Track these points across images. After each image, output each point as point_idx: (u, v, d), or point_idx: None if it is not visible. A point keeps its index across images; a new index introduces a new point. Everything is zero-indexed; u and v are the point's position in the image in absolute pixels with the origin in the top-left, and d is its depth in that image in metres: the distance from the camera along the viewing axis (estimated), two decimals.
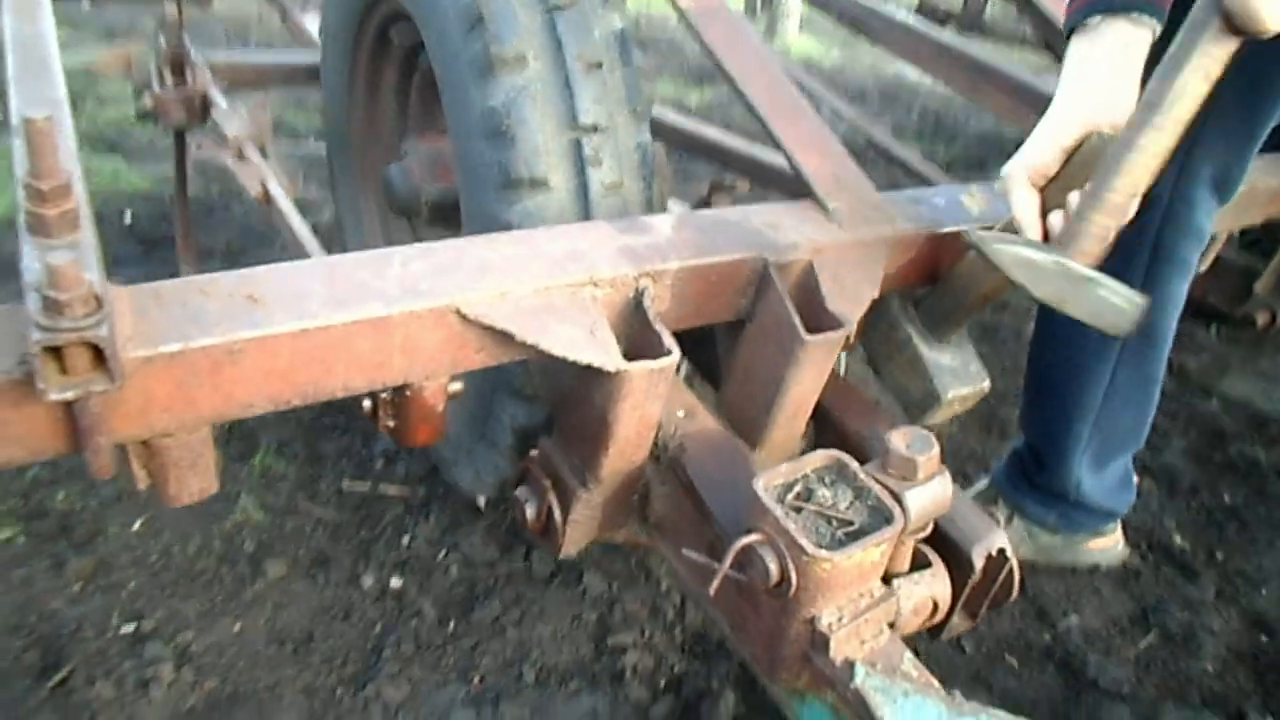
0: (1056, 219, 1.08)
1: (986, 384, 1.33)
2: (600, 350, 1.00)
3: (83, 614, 1.42)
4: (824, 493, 0.99)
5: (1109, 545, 1.64)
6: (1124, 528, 1.66)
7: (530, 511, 1.16)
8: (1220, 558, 1.73)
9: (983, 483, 1.71)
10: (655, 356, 1.03)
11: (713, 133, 2.24)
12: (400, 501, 1.73)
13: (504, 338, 0.98)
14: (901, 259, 1.28)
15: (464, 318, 0.96)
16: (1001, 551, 1.11)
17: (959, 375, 1.31)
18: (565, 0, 1.24)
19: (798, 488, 0.98)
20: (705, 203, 2.35)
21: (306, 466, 1.81)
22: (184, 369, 0.85)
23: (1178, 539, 1.77)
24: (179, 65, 1.87)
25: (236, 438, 1.85)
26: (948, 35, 2.00)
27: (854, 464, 1.00)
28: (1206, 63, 0.96)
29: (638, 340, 1.06)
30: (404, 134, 1.91)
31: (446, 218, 1.73)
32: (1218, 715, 1.40)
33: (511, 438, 1.39)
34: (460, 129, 1.31)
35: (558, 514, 1.14)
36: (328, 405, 1.99)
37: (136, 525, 1.61)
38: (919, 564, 1.10)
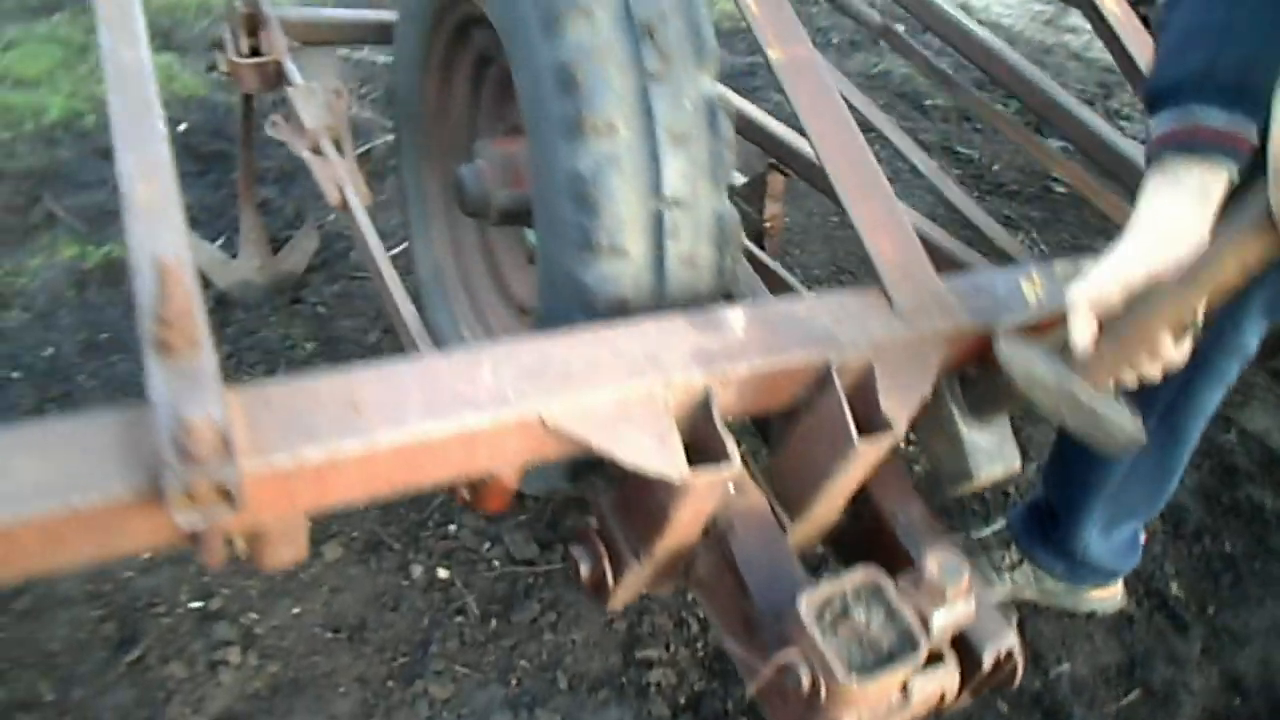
0: None
1: (1018, 464, 1.40)
2: (669, 459, 1.07)
3: (154, 586, 1.54)
4: (859, 612, 1.07)
5: (1109, 596, 1.74)
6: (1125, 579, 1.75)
7: (584, 570, 1.25)
8: (1211, 611, 1.83)
9: (999, 524, 1.79)
10: (717, 459, 1.10)
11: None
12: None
13: (581, 442, 1.05)
14: (957, 350, 1.32)
15: (546, 425, 1.03)
16: (1010, 652, 1.21)
17: (993, 456, 1.38)
18: (659, 68, 1.25)
19: (836, 604, 1.07)
20: (761, 181, 2.37)
21: None
22: (293, 477, 0.92)
23: (1174, 587, 1.87)
24: (253, 26, 1.87)
25: None
26: None
27: (889, 586, 1.09)
28: (1244, 254, 0.98)
29: (700, 439, 1.13)
30: (476, 126, 1.92)
31: (516, 219, 1.76)
32: None
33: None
34: (544, 180, 1.34)
35: (610, 578, 1.24)
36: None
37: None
38: (933, 656, 1.20)
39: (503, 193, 1.67)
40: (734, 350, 1.15)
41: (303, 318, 2.20)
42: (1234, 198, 1.06)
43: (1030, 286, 1.44)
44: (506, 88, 1.90)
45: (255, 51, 1.87)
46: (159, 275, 0.83)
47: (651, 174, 1.26)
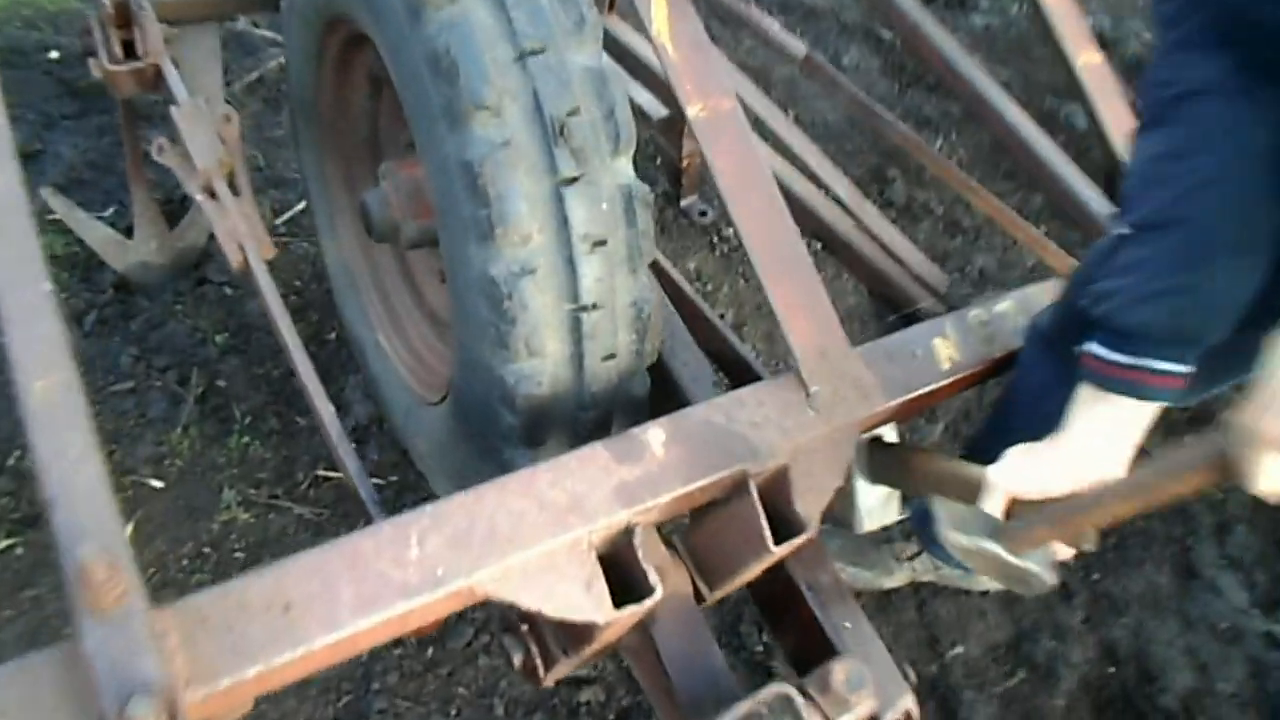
0: None
1: (897, 517, 1.50)
2: (595, 605, 1.12)
3: None
4: None
5: None
6: None
7: (517, 659, 1.32)
8: (1096, 577, 2.01)
9: (905, 514, 1.91)
10: (639, 589, 1.15)
11: None
12: (376, 491, 1.85)
13: (509, 603, 1.08)
14: (870, 425, 1.38)
15: (475, 593, 1.06)
16: (908, 713, 1.34)
17: (875, 514, 1.49)
18: (573, 171, 1.20)
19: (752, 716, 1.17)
20: (679, 119, 2.29)
21: (282, 447, 1.89)
22: (233, 691, 0.95)
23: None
24: (125, 18, 1.70)
25: (209, 414, 1.91)
26: None
27: (800, 702, 1.18)
28: (1186, 486, 0.98)
29: (623, 569, 1.17)
30: (377, 126, 1.81)
31: (426, 245, 1.71)
32: None
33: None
34: (456, 272, 1.30)
35: (541, 668, 1.31)
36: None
37: (127, 531, 1.71)
38: None
39: (411, 224, 1.61)
40: (655, 479, 1.18)
41: (210, 303, 2.13)
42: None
43: (944, 345, 1.47)
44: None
45: (129, 48, 1.70)
46: (83, 576, 0.81)
47: (568, 280, 1.24)
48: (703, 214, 2.67)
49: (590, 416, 1.35)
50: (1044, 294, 1.56)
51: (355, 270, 1.94)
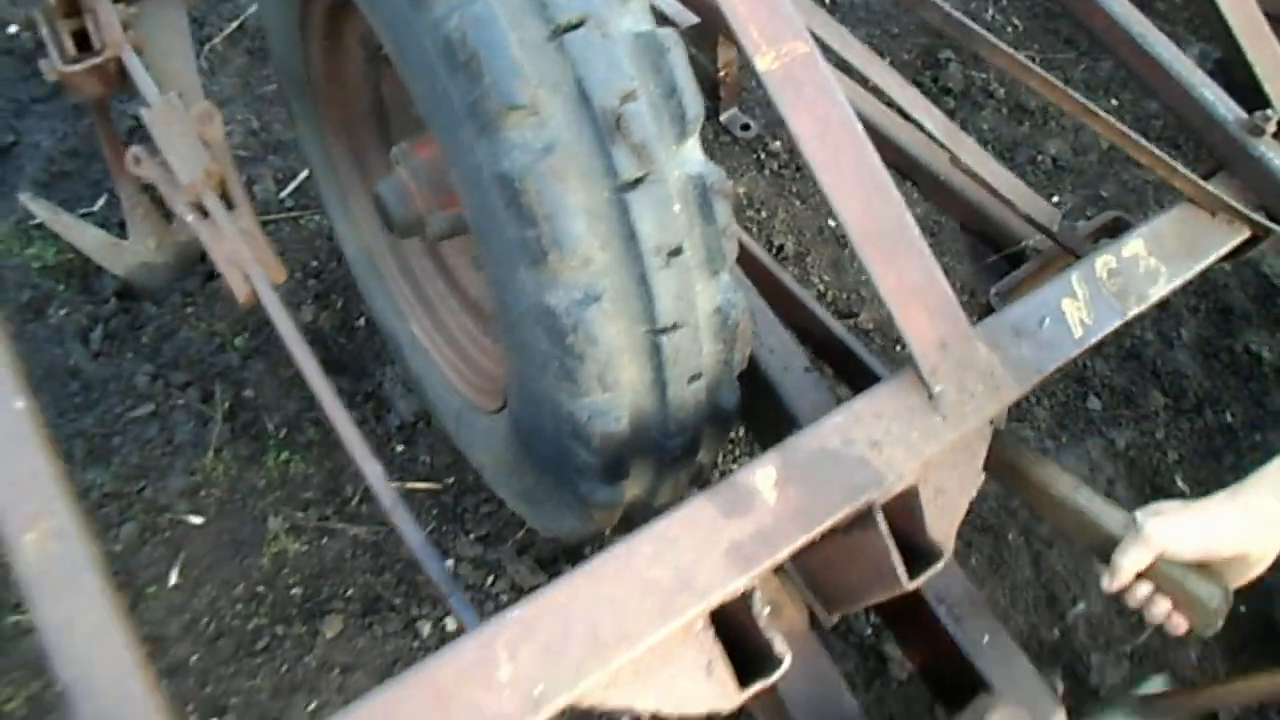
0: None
1: None
2: (719, 691, 0.96)
3: None
4: None
5: None
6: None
7: None
8: None
9: None
10: (765, 664, 0.99)
11: None
12: (432, 498, 1.70)
13: (622, 711, 0.93)
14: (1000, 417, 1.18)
15: (581, 705, 0.90)
16: None
17: None
18: (635, 170, 0.98)
19: None
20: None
21: (324, 459, 1.74)
22: None
23: (1179, 480, 1.86)
24: (73, 5, 1.45)
25: (240, 431, 1.75)
26: None
27: None
28: None
29: (743, 640, 1.01)
30: (379, 92, 1.57)
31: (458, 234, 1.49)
32: None
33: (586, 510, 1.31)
34: (506, 301, 1.10)
35: None
36: (329, 364, 1.86)
37: (173, 578, 1.57)
38: None
39: (439, 217, 1.39)
40: (770, 532, 1.00)
41: (223, 301, 1.93)
42: None
43: (1074, 307, 1.26)
44: None
45: (83, 42, 1.46)
46: None
47: (642, 301, 1.03)
48: (745, 128, 2.40)
49: (677, 443, 1.17)
50: (1174, 225, 1.34)
51: (377, 255, 1.73)
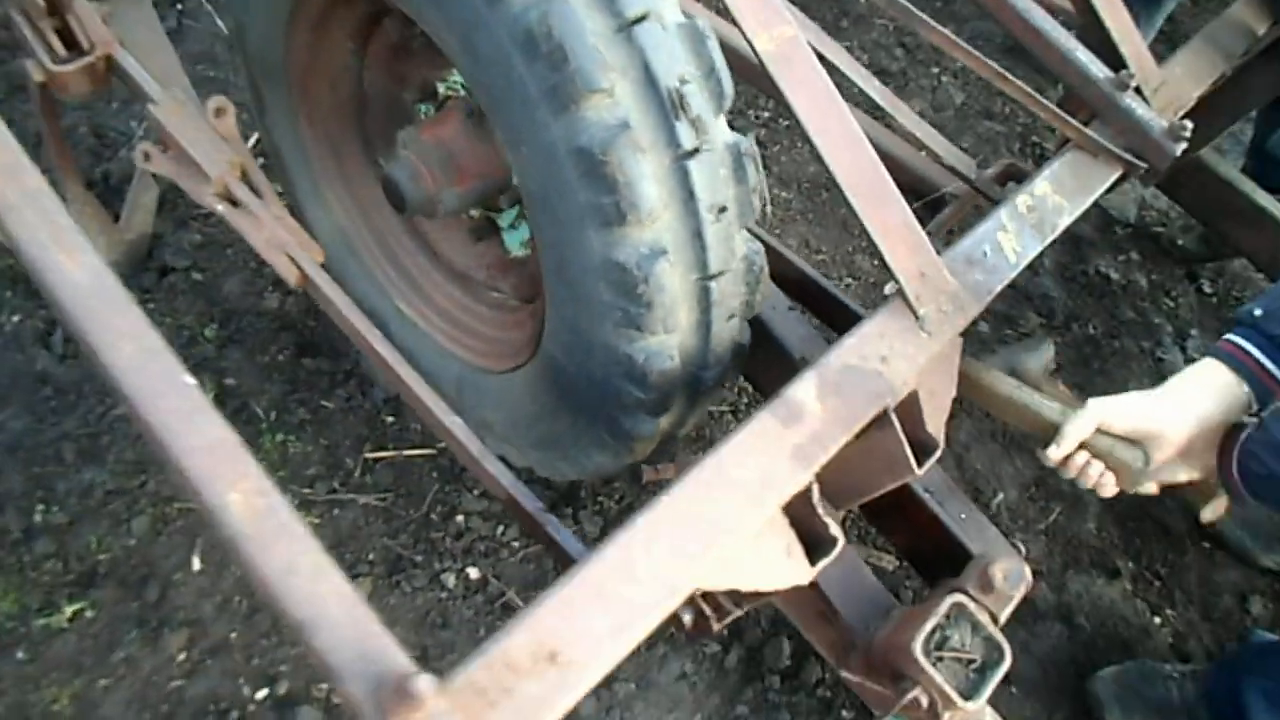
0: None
1: None
2: (797, 570, 1.16)
3: (212, 690, 1.50)
4: (954, 634, 1.27)
5: None
6: None
7: (687, 620, 1.36)
8: None
9: None
10: (821, 541, 1.20)
11: None
12: (430, 462, 1.81)
13: (732, 592, 1.11)
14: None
15: (705, 593, 1.08)
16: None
17: None
18: (694, 141, 1.15)
19: (936, 635, 1.26)
20: None
21: (319, 436, 1.81)
22: None
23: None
24: (54, 3, 1.46)
25: (231, 420, 1.78)
26: None
27: (971, 605, 1.28)
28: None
29: (804, 527, 1.21)
30: (362, 82, 1.64)
31: (466, 210, 1.60)
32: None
33: (627, 444, 1.44)
34: (567, 259, 1.24)
35: (714, 621, 1.35)
36: (303, 346, 1.92)
37: (195, 564, 1.62)
38: None
39: (450, 193, 1.50)
40: (820, 435, 1.20)
41: (184, 294, 1.94)
42: None
43: (1007, 239, 1.53)
44: (407, 42, 1.63)
45: (68, 40, 1.47)
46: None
47: (697, 252, 1.21)
48: None
49: (712, 374, 1.35)
50: (1068, 168, 1.63)
51: (354, 237, 1.80)
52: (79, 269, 1.04)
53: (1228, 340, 1.32)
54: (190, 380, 0.97)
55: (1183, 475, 1.38)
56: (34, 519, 1.61)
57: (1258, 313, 1.32)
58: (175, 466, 0.94)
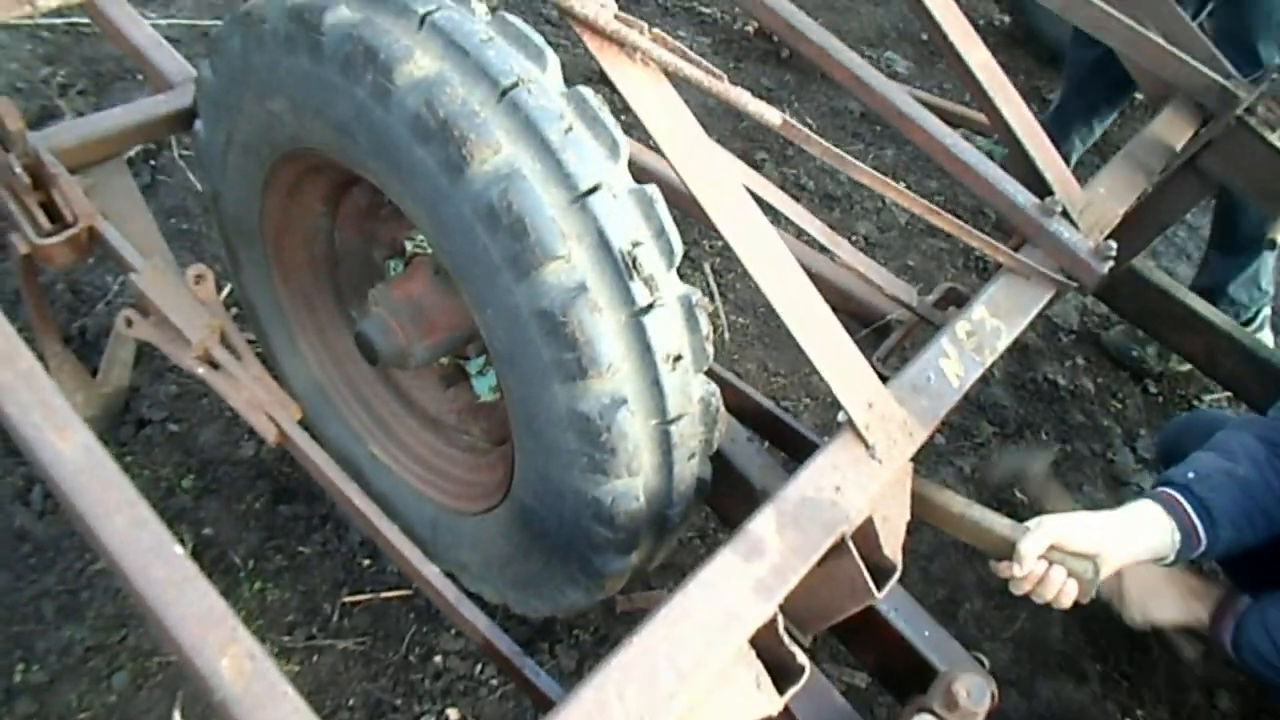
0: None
1: None
2: (766, 700, 1.20)
3: None
4: None
5: None
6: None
7: None
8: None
9: None
10: (792, 672, 1.25)
11: None
12: (406, 603, 1.83)
13: None
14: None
15: None
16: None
17: None
18: (648, 299, 1.23)
19: None
20: None
21: (297, 582, 1.83)
22: None
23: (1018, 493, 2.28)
24: (39, 179, 1.55)
25: (209, 569, 1.82)
26: None
27: None
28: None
29: (772, 658, 1.26)
30: (333, 239, 1.73)
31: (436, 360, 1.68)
32: None
33: (599, 581, 1.48)
34: (532, 410, 1.31)
35: None
36: (279, 493, 1.96)
37: (176, 717, 1.62)
38: None
39: (420, 346, 1.58)
40: (781, 567, 1.26)
41: (159, 445, 1.99)
42: None
43: (949, 364, 1.62)
44: (375, 205, 1.73)
45: (51, 213, 1.55)
46: None
47: (656, 400, 1.28)
48: None
49: (677, 511, 1.41)
50: (1003, 291, 1.74)
51: (328, 386, 1.87)
52: (70, 446, 1.09)
53: (1165, 491, 1.51)
54: (179, 550, 1.02)
55: (1171, 617, 1.58)
56: (14, 679, 1.61)
57: (1190, 475, 1.53)
58: (167, 635, 0.98)
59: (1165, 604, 1.64)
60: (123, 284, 2.22)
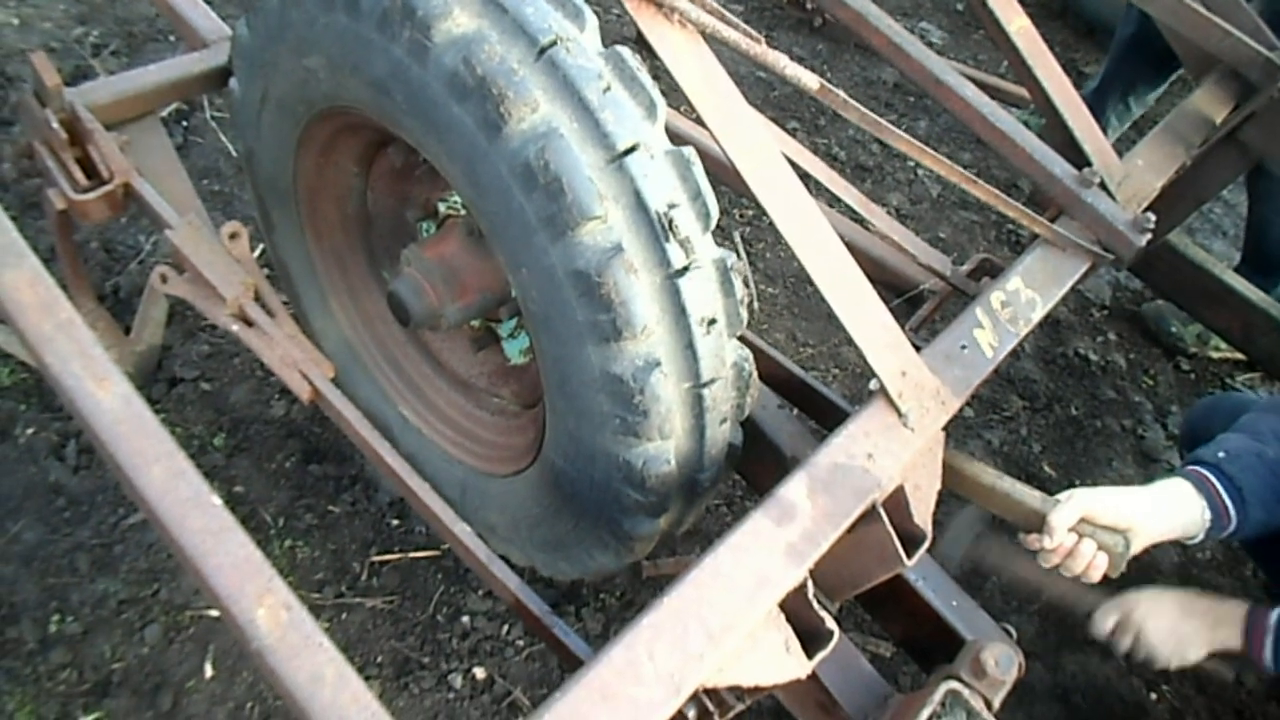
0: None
1: None
2: (796, 663, 1.20)
3: None
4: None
5: None
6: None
7: (691, 717, 1.38)
8: (1074, 481, 2.25)
9: None
10: (820, 636, 1.25)
11: None
12: (434, 563, 1.85)
13: (733, 689, 1.15)
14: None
15: (706, 690, 1.13)
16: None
17: None
18: (684, 262, 1.23)
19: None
20: None
21: (326, 541, 1.85)
22: None
23: (1045, 466, 2.27)
24: (75, 136, 1.55)
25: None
26: None
27: (965, 692, 1.32)
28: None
29: (800, 620, 1.26)
30: (366, 200, 1.73)
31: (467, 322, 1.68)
32: None
33: (627, 544, 1.49)
34: (566, 372, 1.31)
35: (717, 718, 1.38)
36: (309, 452, 1.98)
37: (208, 670, 1.65)
38: None
39: (453, 307, 1.58)
40: (812, 532, 1.26)
41: (192, 404, 2.00)
42: None
43: (983, 335, 1.61)
44: (409, 166, 1.73)
45: (87, 169, 1.56)
46: None
47: (689, 363, 1.27)
48: None
49: (708, 475, 1.41)
50: (1039, 263, 1.71)
51: (359, 346, 1.88)
52: (109, 397, 1.10)
53: (1196, 469, 1.50)
54: (216, 500, 1.03)
55: (1204, 651, 1.57)
56: (49, 629, 1.64)
57: (1221, 455, 1.51)
58: (204, 584, 1.00)
59: (1194, 641, 1.60)
60: (155, 243, 2.23)
